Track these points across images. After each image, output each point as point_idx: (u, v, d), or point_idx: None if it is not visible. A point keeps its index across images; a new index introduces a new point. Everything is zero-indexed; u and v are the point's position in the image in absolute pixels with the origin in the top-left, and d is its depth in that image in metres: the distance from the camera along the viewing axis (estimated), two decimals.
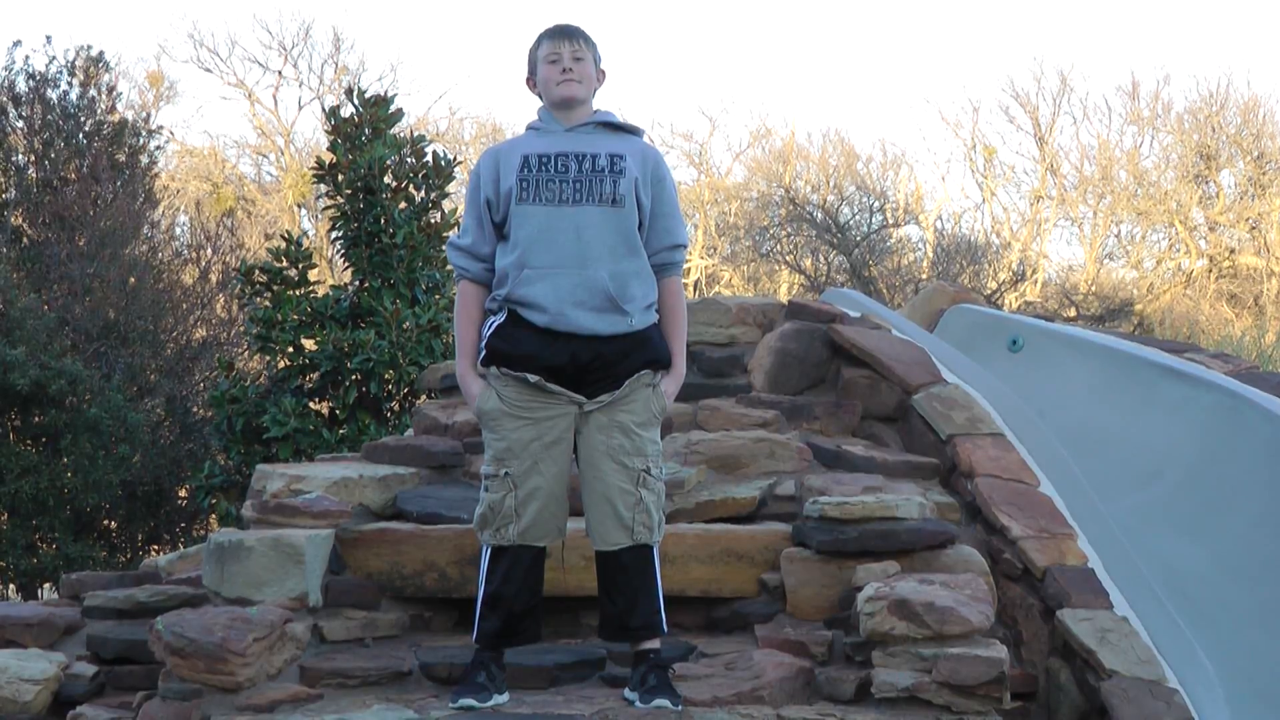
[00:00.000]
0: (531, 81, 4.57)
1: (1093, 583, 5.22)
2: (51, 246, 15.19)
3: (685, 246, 4.61)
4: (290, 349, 11.82)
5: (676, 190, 4.60)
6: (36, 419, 13.20)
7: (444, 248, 12.22)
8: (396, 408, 11.78)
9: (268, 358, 12.21)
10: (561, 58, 4.47)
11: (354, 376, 11.52)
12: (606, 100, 4.63)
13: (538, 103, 4.57)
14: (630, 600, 4.43)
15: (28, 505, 12.76)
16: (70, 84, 16.45)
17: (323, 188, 13.13)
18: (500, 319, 4.48)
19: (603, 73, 4.57)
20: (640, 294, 4.44)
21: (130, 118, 18.04)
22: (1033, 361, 7.03)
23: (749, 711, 4.35)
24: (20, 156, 16.17)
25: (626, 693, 4.44)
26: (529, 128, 4.58)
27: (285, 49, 29.41)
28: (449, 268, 12.26)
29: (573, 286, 4.36)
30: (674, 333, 4.55)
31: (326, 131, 12.53)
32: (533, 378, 4.38)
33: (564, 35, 4.52)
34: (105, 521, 13.98)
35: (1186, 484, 5.92)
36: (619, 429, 4.39)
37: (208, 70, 29.32)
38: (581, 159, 4.42)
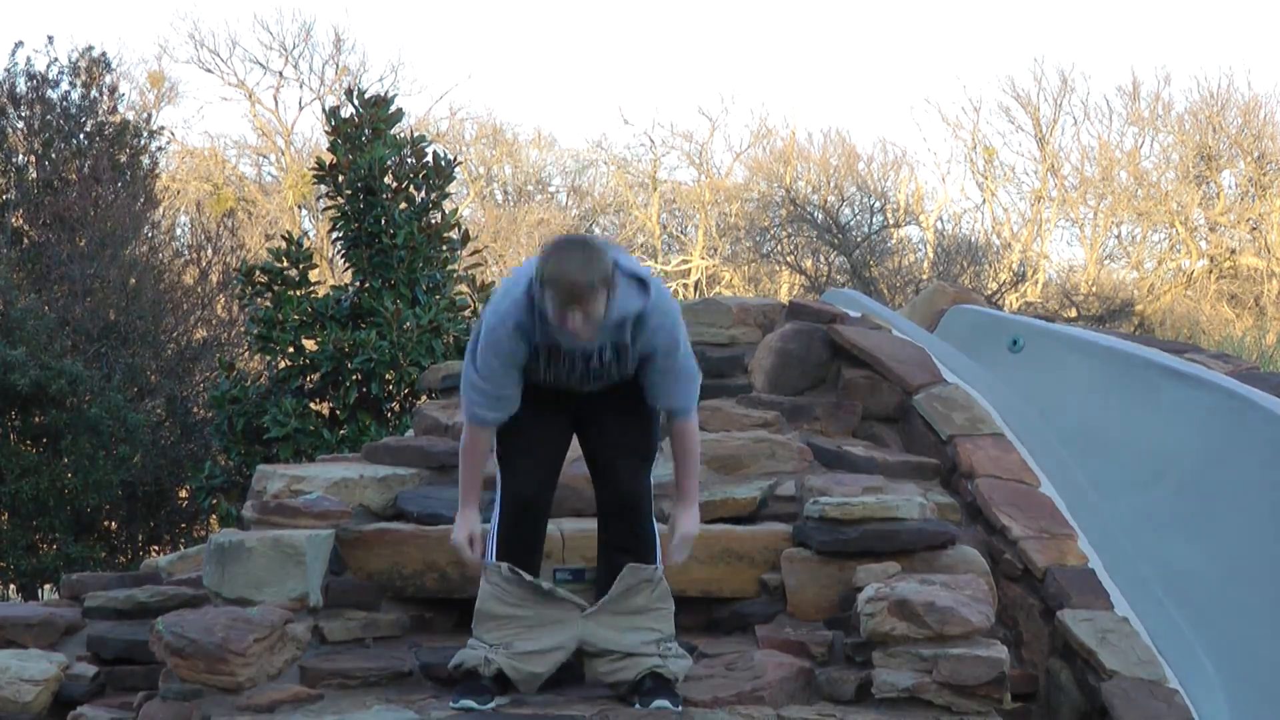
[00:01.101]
0: (539, 292, 4.25)
1: (1093, 583, 5.22)
2: (52, 247, 15.19)
3: (682, 397, 4.50)
4: (291, 349, 11.82)
5: (678, 344, 4.42)
6: (37, 419, 13.20)
7: (452, 245, 12.24)
8: (397, 408, 11.78)
9: (268, 358, 12.22)
10: (569, 318, 4.19)
11: (354, 377, 11.52)
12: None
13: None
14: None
15: (28, 505, 12.76)
16: (72, 85, 16.46)
17: (323, 188, 13.13)
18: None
19: (614, 285, 4.23)
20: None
21: (131, 119, 18.06)
22: (1033, 362, 7.03)
23: (749, 712, 4.35)
24: (21, 157, 16.17)
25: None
26: (539, 314, 4.28)
27: (286, 49, 29.42)
28: (449, 268, 12.28)
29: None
30: (684, 471, 4.56)
31: (327, 132, 12.54)
32: (546, 585, 4.44)
33: (572, 298, 4.13)
34: (106, 522, 13.98)
35: (1187, 484, 5.91)
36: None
37: (208, 71, 29.33)
38: (589, 356, 4.37)
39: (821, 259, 26.80)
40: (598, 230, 31.34)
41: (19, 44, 17.38)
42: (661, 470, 5.30)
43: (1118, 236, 29.07)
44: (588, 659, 4.47)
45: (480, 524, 4.53)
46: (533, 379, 4.40)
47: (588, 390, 4.44)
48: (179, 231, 21.13)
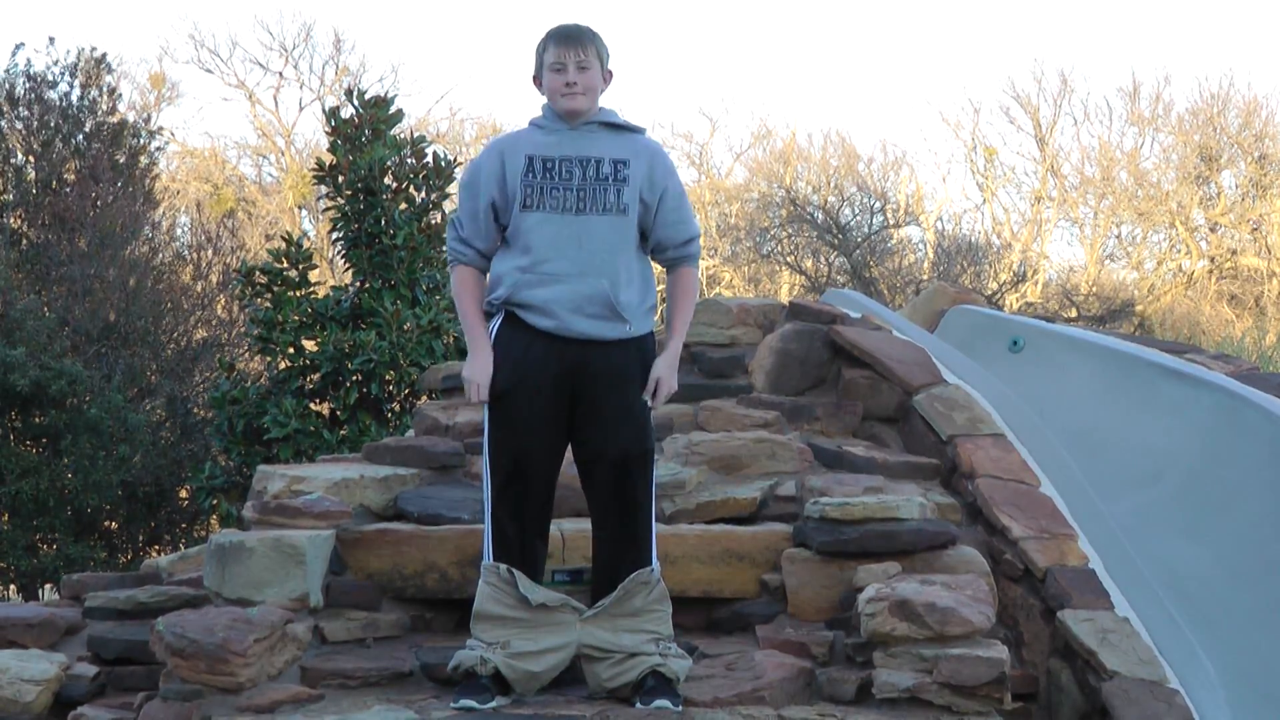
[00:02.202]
0: (537, 81, 4.52)
1: (1094, 583, 5.22)
2: (51, 247, 15.20)
3: (697, 238, 4.61)
4: (291, 350, 11.83)
5: (681, 186, 4.56)
6: (37, 420, 13.21)
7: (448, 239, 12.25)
8: (397, 408, 11.79)
9: (268, 359, 12.22)
10: (566, 68, 4.41)
11: (355, 377, 11.53)
12: (608, 99, 4.58)
13: (540, 101, 4.56)
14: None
15: (28, 506, 12.77)
16: (71, 85, 16.46)
17: (323, 189, 13.15)
18: (498, 322, 4.48)
19: (610, 73, 4.52)
20: (639, 300, 4.46)
21: (131, 119, 18.06)
22: (1033, 362, 7.03)
23: (750, 712, 4.35)
24: (20, 158, 16.18)
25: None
26: (532, 123, 4.53)
27: (286, 50, 29.45)
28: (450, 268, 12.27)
29: (574, 294, 4.37)
30: (676, 316, 4.57)
31: (327, 132, 12.55)
32: (537, 598, 4.41)
33: (570, 42, 4.42)
34: (106, 522, 13.99)
35: (1187, 485, 5.91)
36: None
37: (209, 71, 29.37)
38: (585, 164, 4.40)
39: (822, 259, 26.81)
40: None
41: (19, 45, 17.38)
42: (661, 470, 5.32)
43: (1118, 237, 29.10)
44: (588, 664, 4.46)
45: (491, 365, 4.44)
46: (526, 218, 4.39)
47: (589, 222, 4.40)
48: (179, 232, 21.14)
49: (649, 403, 4.49)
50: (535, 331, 4.40)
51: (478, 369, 4.44)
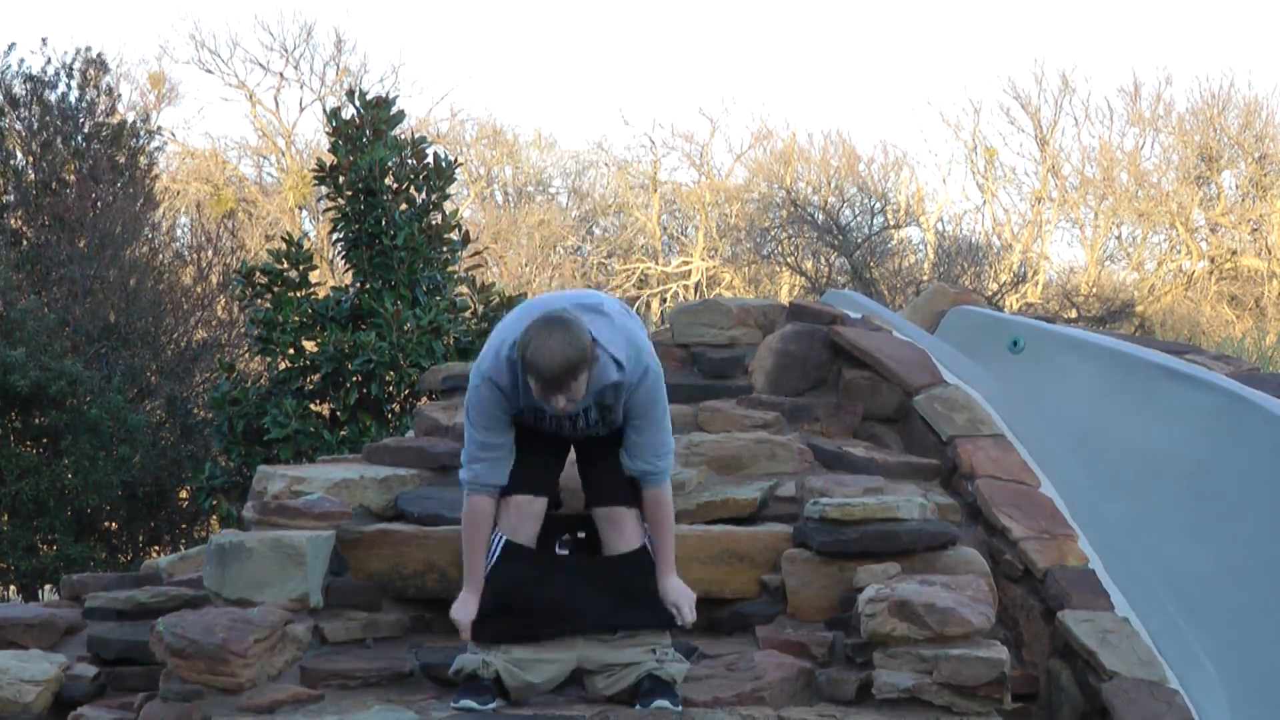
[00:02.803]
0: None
1: (1094, 584, 5.22)
2: (51, 248, 15.20)
3: (655, 454, 4.53)
4: (291, 350, 11.82)
5: (654, 405, 4.50)
6: (37, 420, 13.21)
7: (453, 246, 12.25)
8: (397, 409, 11.79)
9: (268, 359, 12.22)
10: (553, 400, 4.28)
11: (355, 378, 11.52)
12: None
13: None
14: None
15: (28, 506, 12.77)
16: (69, 85, 16.46)
17: (323, 189, 13.14)
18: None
19: (594, 360, 4.32)
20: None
21: (130, 119, 18.05)
22: (1033, 363, 7.03)
23: (750, 712, 4.35)
24: (19, 158, 16.18)
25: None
26: (523, 383, 4.37)
27: (287, 50, 29.44)
28: (450, 269, 12.28)
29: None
30: (662, 540, 4.57)
31: (327, 133, 12.54)
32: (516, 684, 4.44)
33: (554, 388, 4.24)
34: (106, 523, 13.99)
35: (1187, 485, 5.91)
36: None
37: (209, 71, 29.34)
38: (575, 417, 4.47)
39: (822, 260, 26.81)
40: (597, 231, 31.39)
41: (12, 45, 17.37)
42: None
43: (1118, 237, 29.09)
44: (587, 676, 4.48)
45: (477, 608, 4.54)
46: (524, 426, 4.52)
47: (583, 436, 4.56)
48: (179, 232, 21.14)
49: (682, 624, 4.56)
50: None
51: (468, 609, 4.52)
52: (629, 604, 4.47)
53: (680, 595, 4.50)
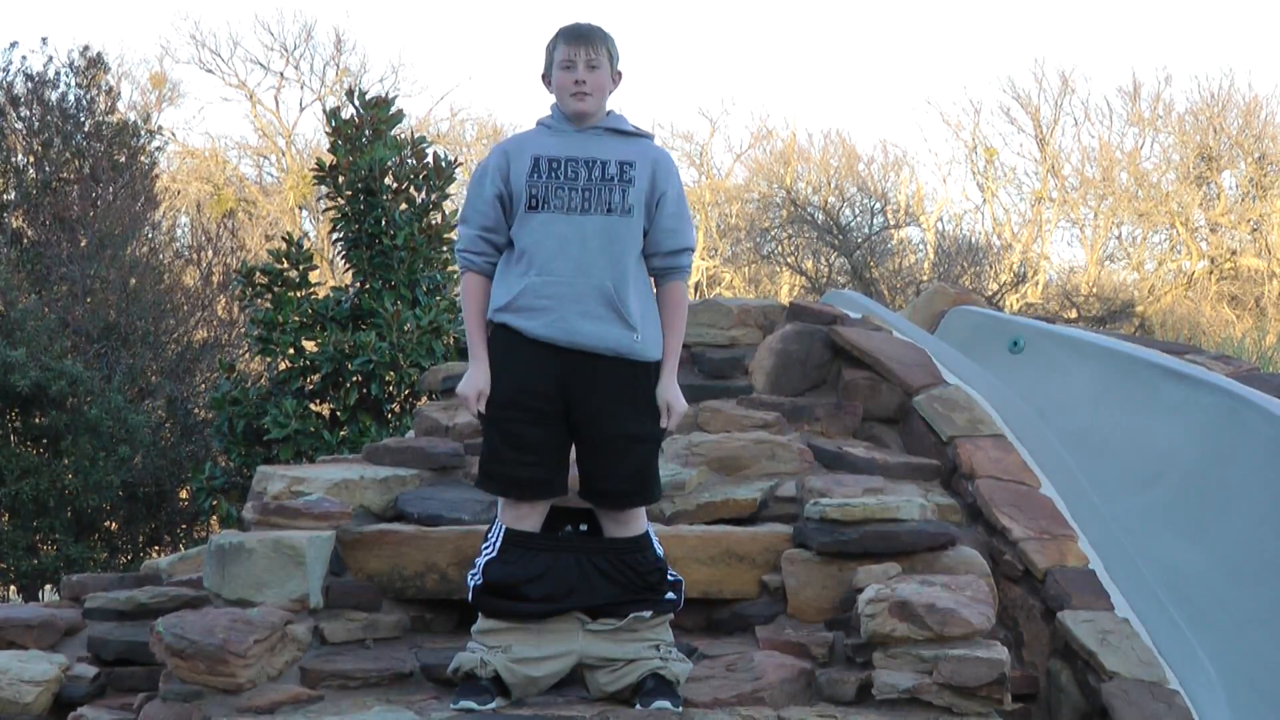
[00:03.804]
0: (546, 79, 4.49)
1: (1094, 584, 5.22)
2: (52, 248, 15.21)
3: (690, 250, 4.52)
4: (291, 350, 11.83)
5: (683, 193, 4.52)
6: (37, 420, 13.22)
7: (453, 244, 12.26)
8: (397, 409, 11.79)
9: (269, 359, 12.23)
10: (576, 66, 4.37)
11: (355, 378, 11.53)
12: (609, 99, 4.56)
13: (541, 101, 4.58)
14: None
15: (28, 506, 12.77)
16: (70, 85, 16.46)
17: (323, 189, 13.15)
18: (498, 335, 4.42)
19: (619, 74, 4.49)
20: (642, 307, 4.38)
21: (131, 118, 18.07)
22: (1034, 363, 7.03)
23: (750, 713, 4.35)
24: (20, 158, 16.19)
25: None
26: (540, 123, 4.50)
27: (287, 50, 29.46)
28: (450, 269, 12.28)
29: (576, 293, 4.30)
30: (670, 336, 4.46)
31: (327, 133, 12.55)
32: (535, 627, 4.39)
33: (580, 40, 4.39)
34: (106, 523, 14.00)
35: (1187, 485, 5.91)
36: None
37: (209, 71, 29.39)
38: (591, 165, 4.37)
39: (822, 260, 26.82)
40: None
41: (14, 44, 17.39)
42: (662, 471, 5.29)
43: (1118, 237, 29.10)
44: (588, 672, 4.46)
45: (489, 378, 4.38)
46: (530, 219, 4.35)
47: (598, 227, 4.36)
48: (179, 232, 21.16)
49: (665, 426, 4.45)
50: (535, 346, 4.34)
51: (474, 382, 4.40)
52: (630, 589, 4.44)
53: (674, 399, 4.42)
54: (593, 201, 4.35)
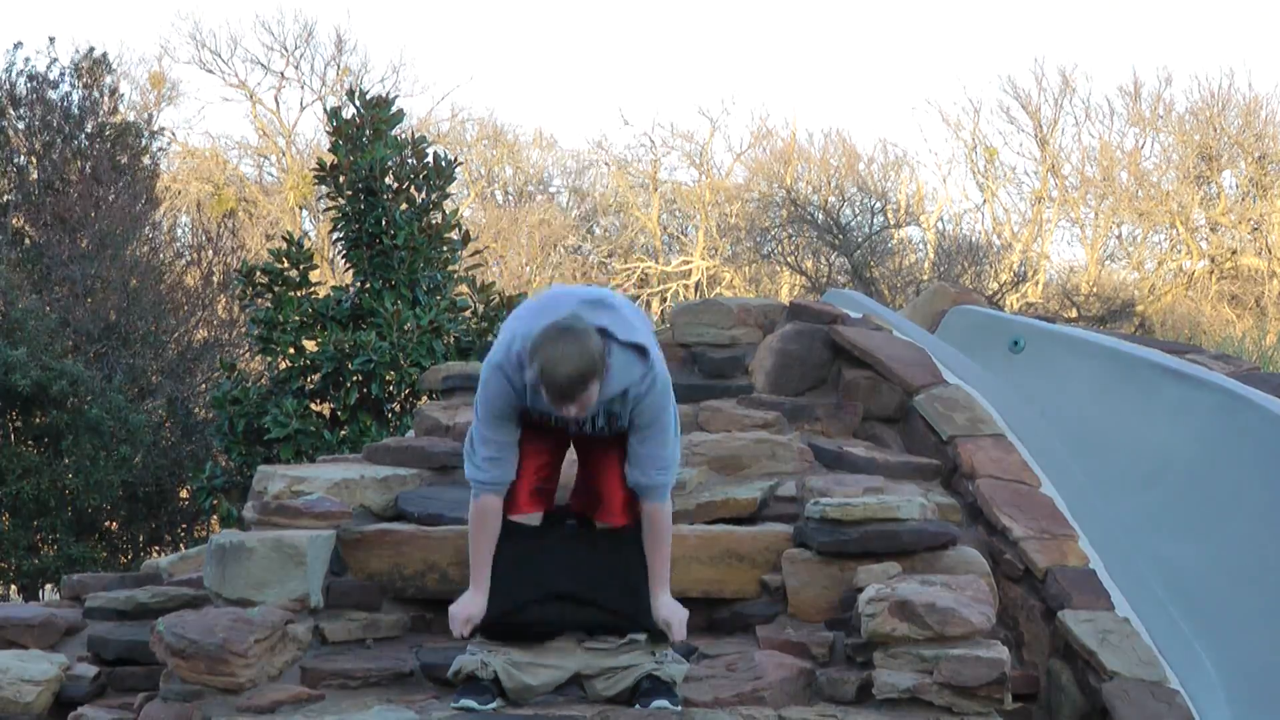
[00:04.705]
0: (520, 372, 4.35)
1: (1094, 584, 5.22)
2: (53, 248, 15.21)
3: (659, 467, 4.45)
4: (291, 350, 11.83)
5: (660, 420, 4.41)
6: (38, 420, 13.22)
7: (453, 245, 12.26)
8: (398, 409, 11.79)
9: (269, 359, 12.23)
10: (567, 410, 4.22)
11: (355, 377, 11.53)
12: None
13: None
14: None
15: (29, 506, 12.78)
16: (73, 85, 16.47)
17: (324, 189, 13.15)
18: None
19: (607, 369, 4.26)
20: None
21: (132, 119, 18.08)
22: (1034, 362, 7.03)
23: (750, 712, 4.35)
24: (22, 158, 16.20)
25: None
26: (529, 386, 4.31)
27: (287, 50, 29.44)
28: (450, 269, 12.29)
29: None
30: (659, 558, 4.50)
31: (328, 133, 12.56)
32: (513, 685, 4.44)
33: (566, 399, 4.18)
34: (106, 522, 14.00)
35: (1187, 485, 5.91)
36: None
37: (209, 71, 29.35)
38: (583, 423, 4.40)
39: (822, 259, 26.82)
40: (598, 231, 31.39)
41: (18, 44, 17.39)
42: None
43: (1118, 237, 29.09)
44: (586, 680, 4.47)
45: (483, 608, 4.45)
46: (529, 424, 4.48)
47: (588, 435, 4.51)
48: (180, 232, 21.16)
49: (672, 639, 4.48)
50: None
51: (466, 607, 4.44)
52: (627, 595, 4.45)
53: (672, 613, 4.45)
54: (584, 430, 4.45)
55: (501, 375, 4.35)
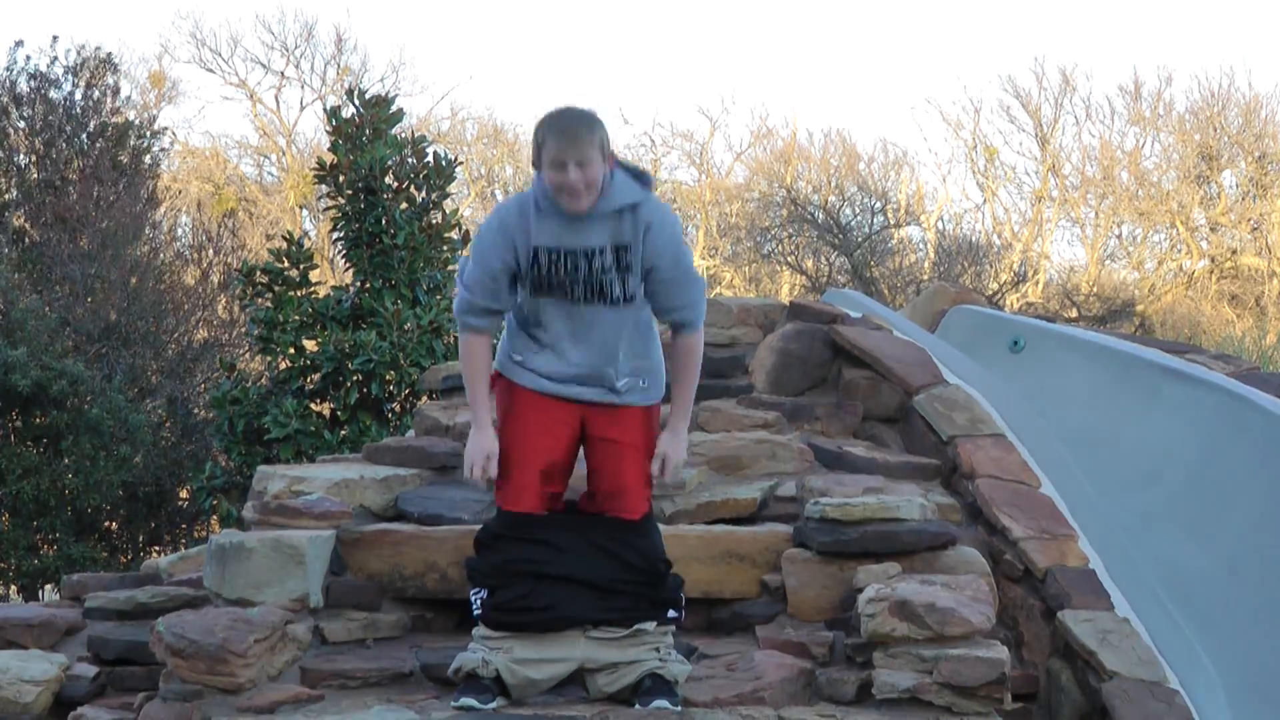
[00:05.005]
0: (536, 165, 4.32)
1: (1094, 584, 5.22)
2: (53, 247, 15.21)
3: (691, 306, 4.47)
4: (291, 350, 11.83)
5: (680, 253, 4.41)
6: (38, 420, 13.22)
7: (452, 243, 12.27)
8: (398, 409, 11.79)
9: (269, 359, 12.23)
10: (566, 167, 4.19)
11: (355, 377, 11.53)
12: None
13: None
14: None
15: (29, 506, 12.78)
16: (75, 84, 16.47)
17: (324, 188, 13.15)
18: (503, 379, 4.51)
19: (612, 155, 4.30)
20: (633, 373, 4.47)
21: (133, 118, 18.08)
22: (1034, 362, 7.03)
23: (750, 712, 4.35)
24: (22, 157, 16.20)
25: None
26: (535, 202, 4.33)
27: (287, 49, 29.46)
28: (450, 268, 12.29)
29: (577, 373, 4.42)
30: (682, 386, 4.54)
31: (328, 132, 12.55)
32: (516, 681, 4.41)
33: (569, 139, 4.17)
34: (106, 522, 14.01)
35: (1187, 485, 5.91)
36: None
37: (210, 70, 29.38)
38: (590, 256, 4.32)
39: (822, 259, 26.82)
40: None
41: (19, 43, 17.39)
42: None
43: (1119, 236, 29.10)
44: (588, 675, 4.46)
45: (495, 442, 4.41)
46: (535, 301, 4.39)
47: (591, 307, 4.38)
48: (180, 232, 21.15)
49: (655, 477, 4.47)
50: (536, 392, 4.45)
51: (480, 446, 4.41)
52: (639, 581, 4.44)
53: (674, 450, 4.47)
54: (594, 292, 4.36)
55: (501, 214, 4.37)
